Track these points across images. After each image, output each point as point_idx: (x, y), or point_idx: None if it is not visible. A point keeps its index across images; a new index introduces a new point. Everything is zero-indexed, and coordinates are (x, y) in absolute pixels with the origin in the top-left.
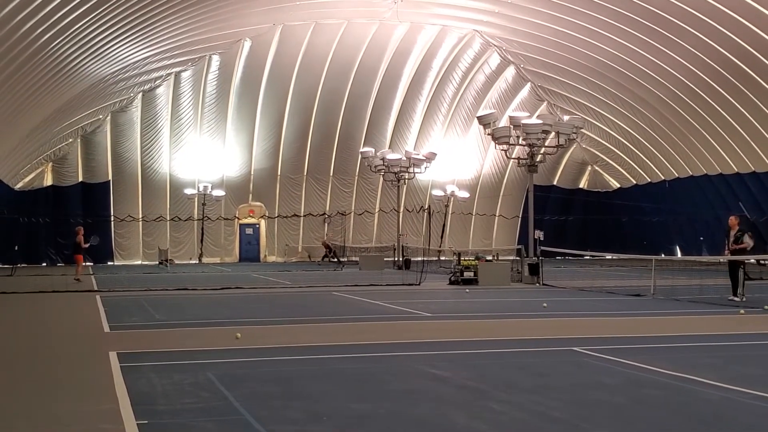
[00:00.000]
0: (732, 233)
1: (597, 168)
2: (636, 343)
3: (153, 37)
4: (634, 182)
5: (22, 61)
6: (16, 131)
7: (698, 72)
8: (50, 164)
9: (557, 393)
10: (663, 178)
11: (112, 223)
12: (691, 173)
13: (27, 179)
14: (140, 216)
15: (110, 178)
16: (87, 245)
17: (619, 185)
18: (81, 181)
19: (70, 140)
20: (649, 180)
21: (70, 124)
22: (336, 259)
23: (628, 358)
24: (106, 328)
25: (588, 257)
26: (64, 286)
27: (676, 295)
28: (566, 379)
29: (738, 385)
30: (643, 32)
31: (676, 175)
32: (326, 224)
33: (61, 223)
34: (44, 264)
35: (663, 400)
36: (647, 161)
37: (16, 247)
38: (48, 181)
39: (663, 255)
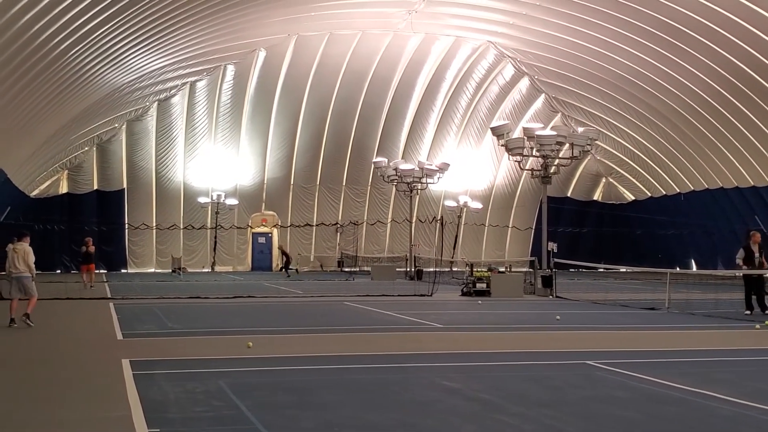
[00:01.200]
0: (756, 249)
1: (611, 180)
2: (650, 357)
3: (169, 47)
4: (649, 195)
5: (39, 70)
6: (32, 139)
7: (714, 84)
8: (66, 172)
9: (570, 407)
10: (678, 190)
11: (126, 230)
12: (706, 186)
13: (43, 187)
14: (154, 224)
15: (125, 186)
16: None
17: (633, 198)
18: (96, 189)
19: (86, 148)
20: (664, 193)
21: (85, 132)
22: (287, 268)
23: (642, 372)
24: (119, 336)
25: (602, 270)
26: (77, 293)
27: (691, 309)
28: (579, 392)
29: (754, 400)
30: (658, 44)
31: (692, 188)
32: (338, 234)
33: (75, 231)
34: (59, 271)
35: (677, 415)
36: (662, 174)
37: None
38: (63, 188)
39: (678, 268)
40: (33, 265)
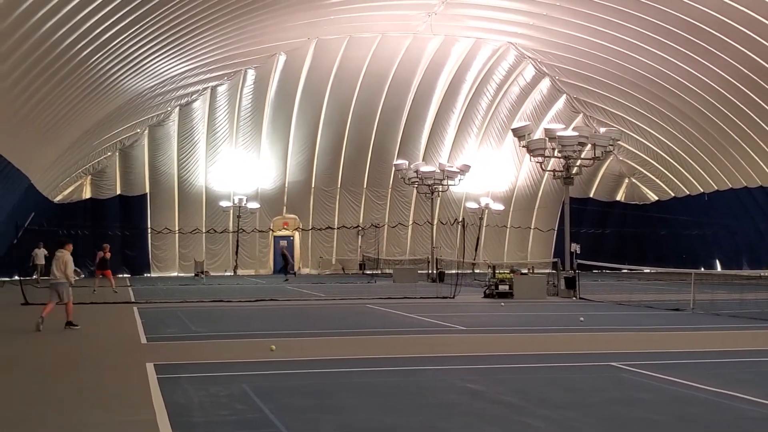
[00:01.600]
0: None
1: (634, 180)
2: (675, 358)
3: (190, 52)
4: (673, 195)
5: (62, 76)
6: (56, 145)
7: (736, 82)
8: (89, 177)
9: (594, 409)
10: (702, 190)
11: (149, 235)
12: (730, 186)
13: (66, 192)
14: (177, 228)
15: (147, 190)
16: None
17: (657, 198)
18: (119, 194)
19: (109, 154)
20: (688, 193)
21: (108, 137)
22: (286, 271)
23: (667, 374)
24: (143, 340)
25: (625, 271)
26: (102, 297)
27: (716, 310)
28: (604, 394)
29: None
30: (680, 43)
31: (716, 188)
32: (360, 236)
33: (99, 236)
34: (83, 276)
35: (703, 416)
36: (686, 173)
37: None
38: (87, 194)
39: (702, 269)
40: (70, 273)
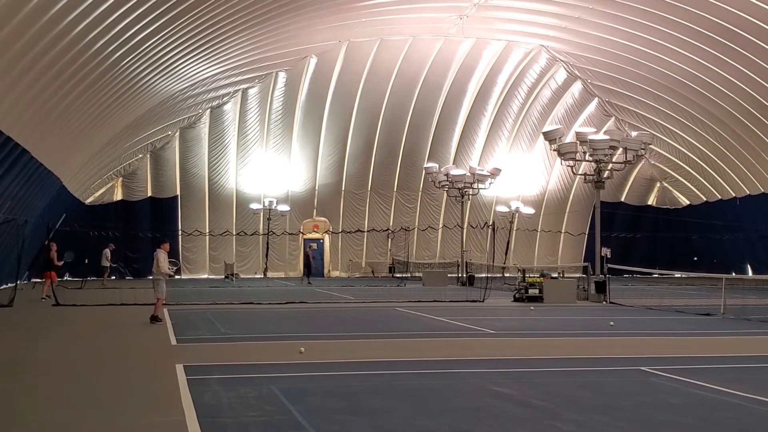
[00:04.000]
0: None
1: (666, 185)
2: (705, 363)
3: (221, 55)
4: (705, 199)
5: (94, 79)
6: (88, 147)
7: None
8: (120, 179)
9: (624, 413)
10: (734, 194)
11: (180, 237)
12: (762, 190)
13: (97, 194)
14: (207, 230)
15: (178, 193)
16: (61, 262)
17: (689, 202)
18: (150, 196)
19: (140, 156)
20: (720, 197)
21: (140, 140)
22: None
23: (697, 379)
24: (173, 341)
25: (656, 275)
26: (132, 299)
27: (746, 315)
28: (633, 398)
29: None
30: (713, 47)
31: (748, 192)
32: (390, 240)
33: (130, 238)
34: (113, 277)
35: (733, 422)
36: (718, 177)
37: (86, 261)
38: (118, 195)
39: (733, 273)
40: (163, 269)
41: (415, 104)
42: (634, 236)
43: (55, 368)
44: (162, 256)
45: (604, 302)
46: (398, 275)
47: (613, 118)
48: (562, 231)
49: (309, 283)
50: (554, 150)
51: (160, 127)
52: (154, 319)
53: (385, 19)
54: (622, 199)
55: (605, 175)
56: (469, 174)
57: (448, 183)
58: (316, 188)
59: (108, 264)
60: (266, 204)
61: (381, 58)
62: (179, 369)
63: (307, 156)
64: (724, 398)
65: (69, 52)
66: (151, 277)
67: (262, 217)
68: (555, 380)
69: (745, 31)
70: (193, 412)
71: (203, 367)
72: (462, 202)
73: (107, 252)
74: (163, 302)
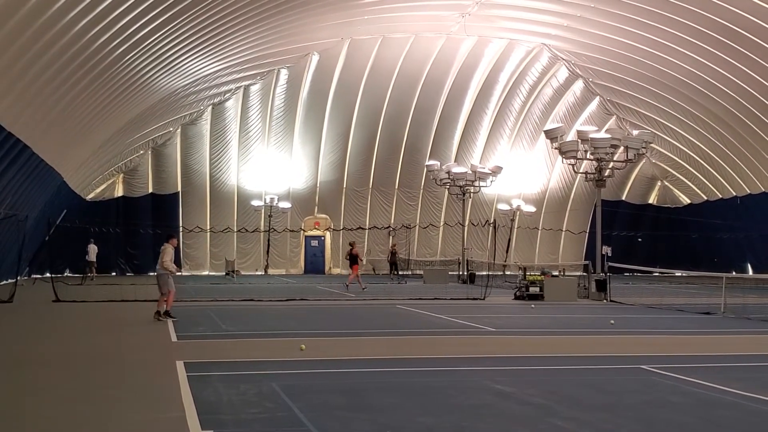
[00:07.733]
0: None
1: (667, 183)
2: (706, 362)
3: (223, 52)
4: (705, 198)
5: (95, 75)
6: (89, 143)
7: None
8: (121, 175)
9: (625, 411)
10: (735, 194)
11: (181, 233)
12: (763, 189)
13: (98, 190)
14: (208, 227)
15: (179, 189)
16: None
17: (689, 201)
18: (151, 192)
19: (141, 152)
20: (721, 196)
21: (141, 136)
22: (396, 273)
23: (697, 377)
24: (174, 338)
25: (657, 274)
26: (132, 295)
27: (747, 314)
28: (634, 397)
29: None
30: (714, 46)
31: (749, 191)
32: (391, 237)
33: (131, 234)
34: (114, 273)
35: (733, 420)
36: (718, 177)
37: (88, 257)
38: (119, 192)
39: (734, 272)
40: (167, 264)
41: (416, 102)
42: (634, 235)
43: (55, 364)
44: (169, 250)
45: (605, 301)
46: (399, 273)
47: (614, 117)
48: (563, 229)
49: (399, 281)
50: (555, 148)
51: (162, 124)
52: (167, 314)
53: (388, 17)
54: (623, 198)
55: (606, 174)
56: (471, 172)
57: (449, 181)
58: (318, 185)
59: (93, 259)
60: (267, 201)
61: (383, 55)
62: (179, 365)
63: (308, 153)
64: (725, 397)
65: (71, 49)
66: (153, 273)
67: (263, 214)
68: (556, 378)
69: (747, 31)
70: (194, 409)
71: (204, 363)
72: (463, 199)
73: (93, 247)
74: (175, 295)
